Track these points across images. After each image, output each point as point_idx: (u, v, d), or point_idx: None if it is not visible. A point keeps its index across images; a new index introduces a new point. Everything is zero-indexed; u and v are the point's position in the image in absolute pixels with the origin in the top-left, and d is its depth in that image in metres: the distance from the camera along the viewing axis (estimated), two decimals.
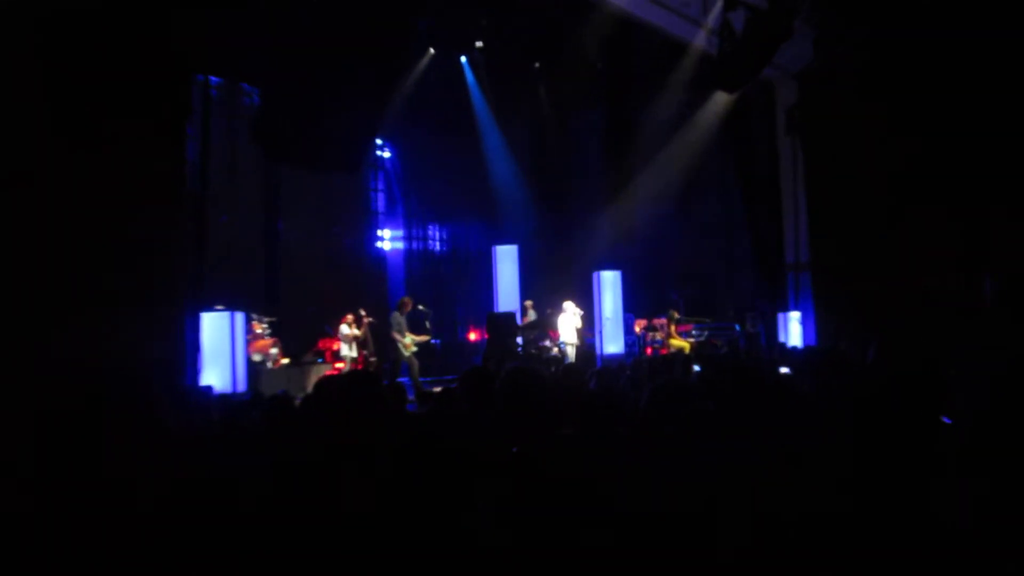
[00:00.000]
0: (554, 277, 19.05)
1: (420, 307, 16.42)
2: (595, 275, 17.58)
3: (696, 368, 7.76)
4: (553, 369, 14.86)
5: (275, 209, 17.78)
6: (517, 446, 3.05)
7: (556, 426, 3.58)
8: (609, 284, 17.42)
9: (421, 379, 14.70)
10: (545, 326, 16.93)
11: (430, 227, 22.12)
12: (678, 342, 16.71)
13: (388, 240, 21.34)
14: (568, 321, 16.02)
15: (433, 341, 17.17)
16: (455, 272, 22.00)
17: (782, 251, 17.23)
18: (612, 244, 18.76)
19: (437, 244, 22.18)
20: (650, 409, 3.41)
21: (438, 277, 21.87)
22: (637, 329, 17.88)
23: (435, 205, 21.78)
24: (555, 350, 16.38)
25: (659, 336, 17.43)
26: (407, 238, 21.74)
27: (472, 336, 20.56)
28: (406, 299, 14.85)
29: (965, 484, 2.48)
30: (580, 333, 16.44)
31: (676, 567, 2.51)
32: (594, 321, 17.35)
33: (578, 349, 16.12)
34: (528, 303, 17.70)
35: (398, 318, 14.33)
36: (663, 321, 17.47)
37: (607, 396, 4.42)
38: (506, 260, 18.59)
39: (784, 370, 7.27)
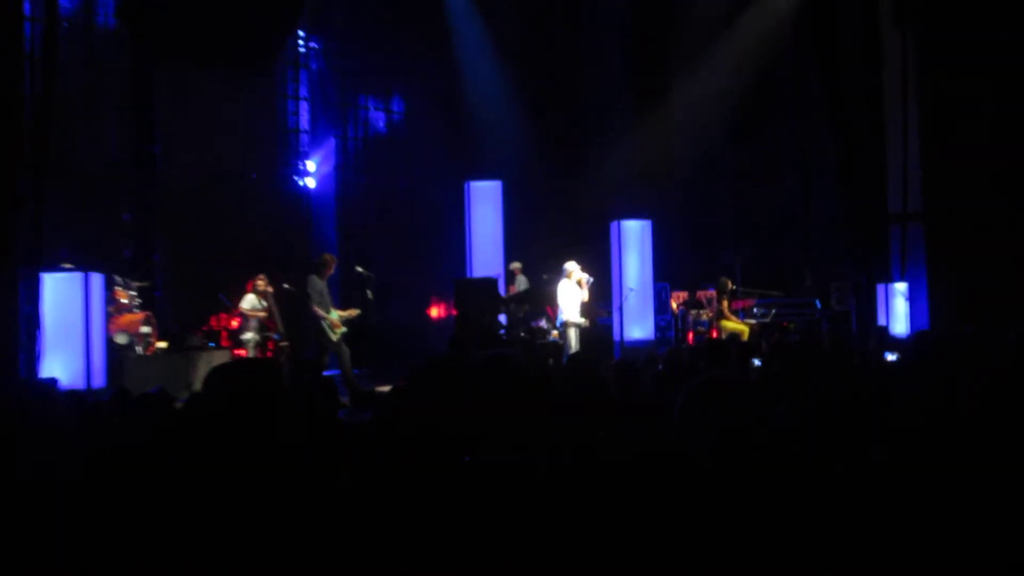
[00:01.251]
0: (554, 228, 19.02)
1: (359, 269, 16.52)
2: (614, 226, 17.50)
3: (756, 362, 7.94)
4: (551, 362, 15.32)
5: (150, 125, 17.67)
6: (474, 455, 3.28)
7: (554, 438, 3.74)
8: (634, 240, 17.37)
9: (356, 372, 14.96)
10: (540, 299, 17.16)
11: (375, 154, 21.71)
12: (733, 324, 16.77)
13: (314, 173, 21.11)
14: (572, 292, 15.94)
15: (376, 320, 17.24)
16: (411, 220, 21.62)
17: (884, 196, 17.21)
18: (639, 183, 18.85)
19: (385, 179, 21.74)
20: (685, 419, 3.45)
21: (386, 226, 21.48)
22: (674, 305, 18.08)
23: (384, 122, 21.46)
24: (554, 333, 16.50)
25: (705, 316, 17.60)
26: (341, 170, 21.34)
27: (434, 312, 20.45)
28: (327, 257, 14.92)
29: None
30: (590, 310, 16.54)
31: None
32: (611, 293, 17.34)
33: (586, 332, 16.24)
34: (516, 266, 17.64)
35: (317, 285, 14.44)
36: (711, 294, 17.59)
37: (628, 398, 4.69)
38: (485, 203, 18.47)
39: (891, 357, 7.58)
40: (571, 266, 15.93)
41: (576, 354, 14.57)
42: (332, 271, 14.82)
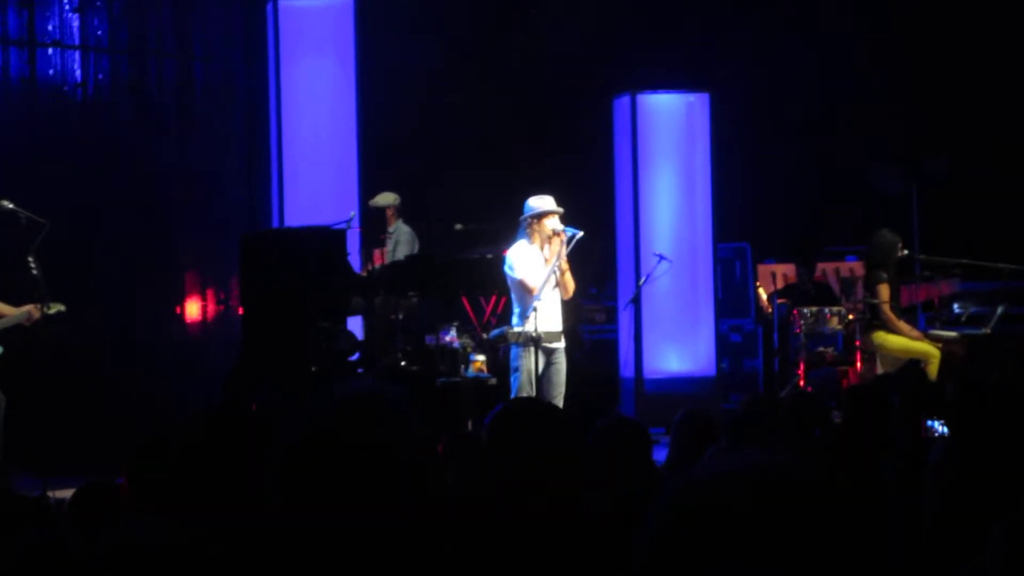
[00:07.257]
0: (478, 116, 16.08)
1: (8, 205, 11.88)
2: (620, 107, 14.01)
3: (939, 428, 7.06)
4: (470, 425, 13.13)
5: None
6: None
7: None
8: (667, 139, 13.92)
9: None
10: (448, 279, 13.59)
11: None
12: (903, 341, 12.48)
13: None
14: (536, 264, 11.22)
15: (54, 335, 12.69)
16: (140, 96, 15.68)
17: None
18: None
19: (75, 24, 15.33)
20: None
21: (78, 111, 15.50)
22: (764, 297, 14.45)
23: None
24: (476, 363, 13.09)
25: (837, 322, 13.18)
26: None
27: (193, 311, 16.01)
28: None
29: None
30: (573, 308, 12.78)
31: None
32: (616, 268, 14.35)
33: (568, 357, 11.79)
34: (387, 202, 14.11)
35: None
36: (853, 270, 13.49)
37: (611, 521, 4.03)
38: (316, 52, 13.71)
39: None
40: (540, 204, 11.25)
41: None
42: None
